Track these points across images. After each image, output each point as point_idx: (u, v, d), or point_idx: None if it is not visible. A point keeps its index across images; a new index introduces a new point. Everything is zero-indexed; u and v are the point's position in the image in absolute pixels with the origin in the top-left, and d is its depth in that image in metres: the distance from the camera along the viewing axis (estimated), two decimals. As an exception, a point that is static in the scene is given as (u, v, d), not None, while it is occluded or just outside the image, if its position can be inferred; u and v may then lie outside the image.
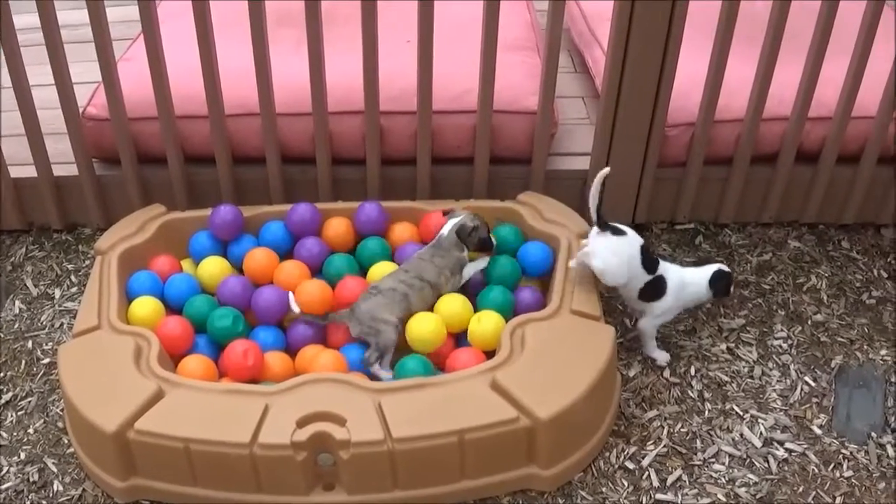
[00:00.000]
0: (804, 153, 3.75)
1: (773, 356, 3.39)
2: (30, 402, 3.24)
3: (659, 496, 2.95)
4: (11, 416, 3.19)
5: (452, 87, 3.62)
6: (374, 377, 3.05)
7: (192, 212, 3.59)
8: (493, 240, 3.38)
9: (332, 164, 3.69)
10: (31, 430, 3.15)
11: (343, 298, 3.26)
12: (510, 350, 2.98)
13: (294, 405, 2.81)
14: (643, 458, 3.06)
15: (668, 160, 3.73)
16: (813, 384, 3.30)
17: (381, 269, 3.31)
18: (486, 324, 3.16)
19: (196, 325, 3.22)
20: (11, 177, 3.74)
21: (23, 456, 3.07)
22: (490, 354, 3.08)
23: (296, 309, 3.21)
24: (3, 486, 2.99)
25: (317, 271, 3.42)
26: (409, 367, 3.00)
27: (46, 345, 3.42)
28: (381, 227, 3.51)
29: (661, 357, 3.35)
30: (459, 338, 3.26)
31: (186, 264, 3.50)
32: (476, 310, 3.27)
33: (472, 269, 3.34)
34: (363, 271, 3.42)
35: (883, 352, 3.42)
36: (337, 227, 3.49)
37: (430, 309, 3.25)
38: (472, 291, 3.35)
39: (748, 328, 3.47)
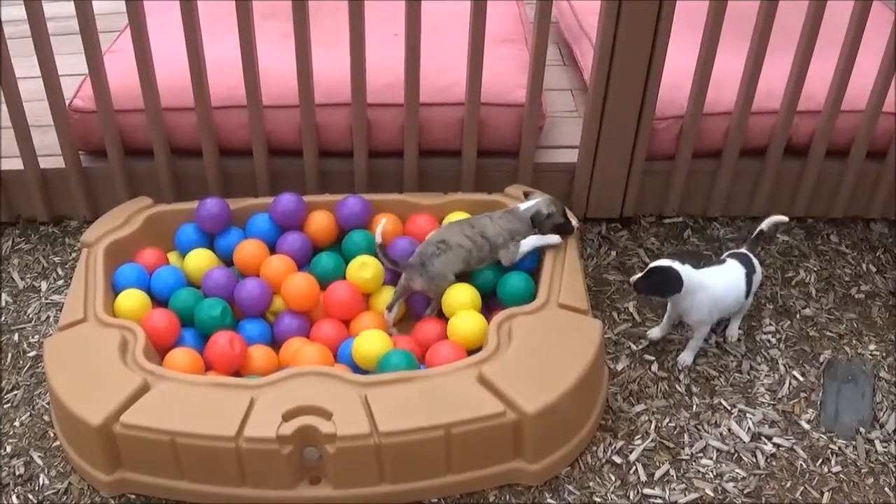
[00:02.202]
0: (793, 147, 3.75)
1: (762, 350, 3.39)
2: (16, 395, 3.22)
3: (646, 491, 2.95)
4: (-3, 409, 3.19)
5: (440, 79, 3.61)
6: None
7: (178, 204, 3.58)
8: (574, 221, 3.39)
9: (319, 157, 3.69)
10: (17, 424, 3.13)
11: (331, 303, 3.27)
12: (497, 344, 2.98)
13: (280, 399, 2.80)
14: (630, 452, 3.05)
15: (657, 153, 3.73)
16: (801, 379, 3.30)
17: (361, 262, 3.31)
18: (466, 323, 3.17)
19: (182, 317, 3.21)
20: (-2, 169, 3.74)
21: (8, 449, 3.06)
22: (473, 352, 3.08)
23: (379, 239, 3.26)
24: (-11, 480, 2.99)
25: (301, 265, 3.42)
26: (393, 361, 2.98)
27: (33, 338, 3.41)
28: (364, 220, 3.50)
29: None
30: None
31: (173, 257, 3.49)
32: (496, 294, 3.32)
33: (530, 244, 3.31)
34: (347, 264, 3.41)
35: (871, 346, 3.42)
36: (319, 222, 3.49)
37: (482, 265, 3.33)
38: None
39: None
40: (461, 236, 3.26)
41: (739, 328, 3.42)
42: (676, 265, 3.14)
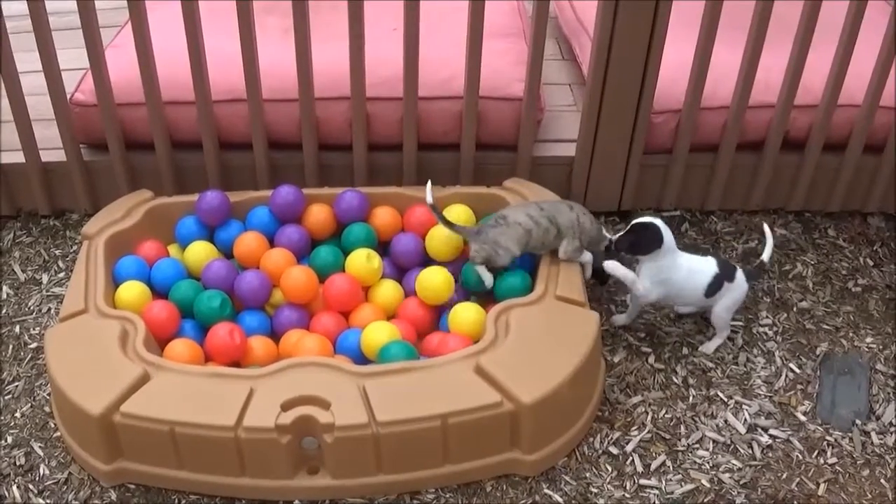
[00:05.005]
0: (790, 141, 3.76)
1: (759, 343, 3.40)
2: (17, 386, 3.24)
3: (643, 482, 2.96)
4: (-2, 400, 3.21)
5: (439, 73, 3.62)
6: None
7: (178, 197, 3.59)
8: (603, 275, 3.45)
9: (319, 150, 3.70)
10: (17, 415, 3.15)
11: (330, 295, 3.28)
12: (494, 335, 2.99)
13: (279, 389, 2.82)
14: (627, 443, 3.07)
15: (655, 147, 3.74)
16: (798, 371, 3.31)
17: (367, 253, 3.33)
18: (466, 315, 3.18)
19: (182, 309, 3.22)
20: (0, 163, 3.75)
21: (9, 440, 3.08)
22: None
23: (430, 199, 3.31)
24: (-10, 470, 3.01)
25: (300, 257, 3.43)
26: (393, 351, 3.00)
27: (34, 329, 3.43)
28: (362, 214, 3.51)
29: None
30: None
31: (173, 249, 3.51)
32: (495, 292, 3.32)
33: (586, 259, 3.34)
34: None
35: (868, 339, 3.44)
36: (318, 215, 3.50)
37: (546, 250, 3.32)
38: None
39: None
40: (523, 215, 3.25)
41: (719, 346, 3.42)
42: (659, 222, 3.16)
